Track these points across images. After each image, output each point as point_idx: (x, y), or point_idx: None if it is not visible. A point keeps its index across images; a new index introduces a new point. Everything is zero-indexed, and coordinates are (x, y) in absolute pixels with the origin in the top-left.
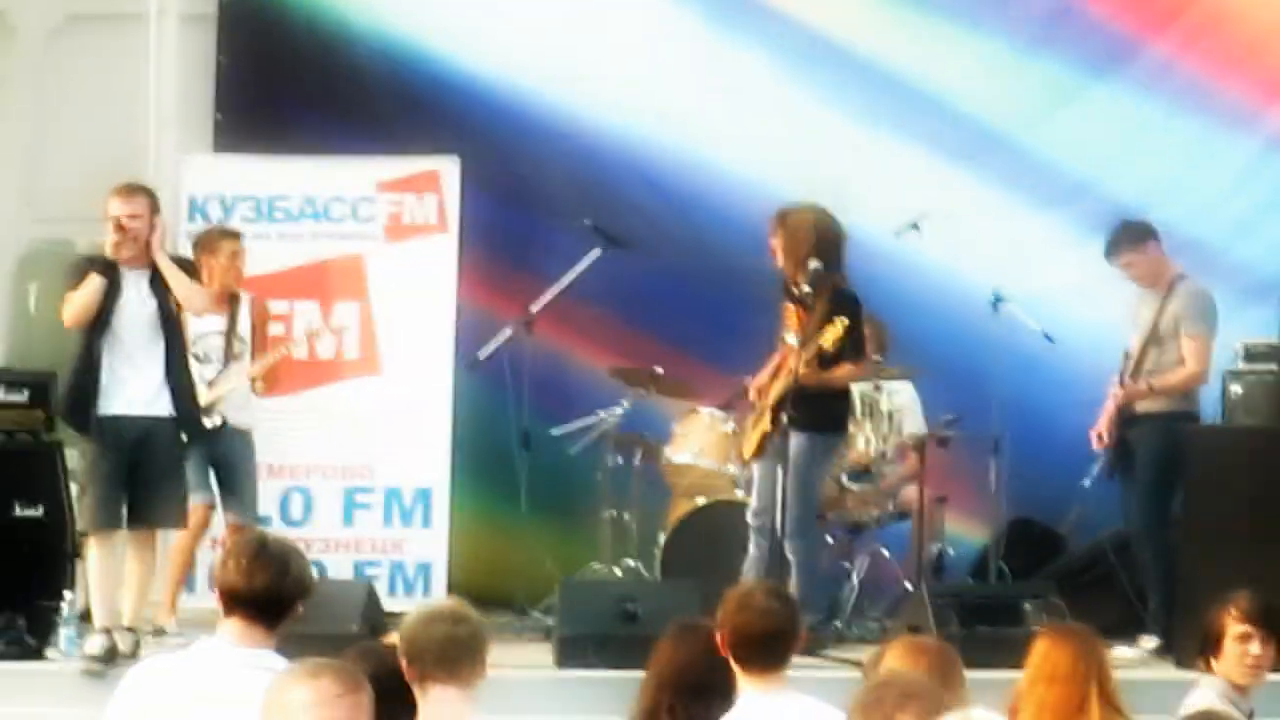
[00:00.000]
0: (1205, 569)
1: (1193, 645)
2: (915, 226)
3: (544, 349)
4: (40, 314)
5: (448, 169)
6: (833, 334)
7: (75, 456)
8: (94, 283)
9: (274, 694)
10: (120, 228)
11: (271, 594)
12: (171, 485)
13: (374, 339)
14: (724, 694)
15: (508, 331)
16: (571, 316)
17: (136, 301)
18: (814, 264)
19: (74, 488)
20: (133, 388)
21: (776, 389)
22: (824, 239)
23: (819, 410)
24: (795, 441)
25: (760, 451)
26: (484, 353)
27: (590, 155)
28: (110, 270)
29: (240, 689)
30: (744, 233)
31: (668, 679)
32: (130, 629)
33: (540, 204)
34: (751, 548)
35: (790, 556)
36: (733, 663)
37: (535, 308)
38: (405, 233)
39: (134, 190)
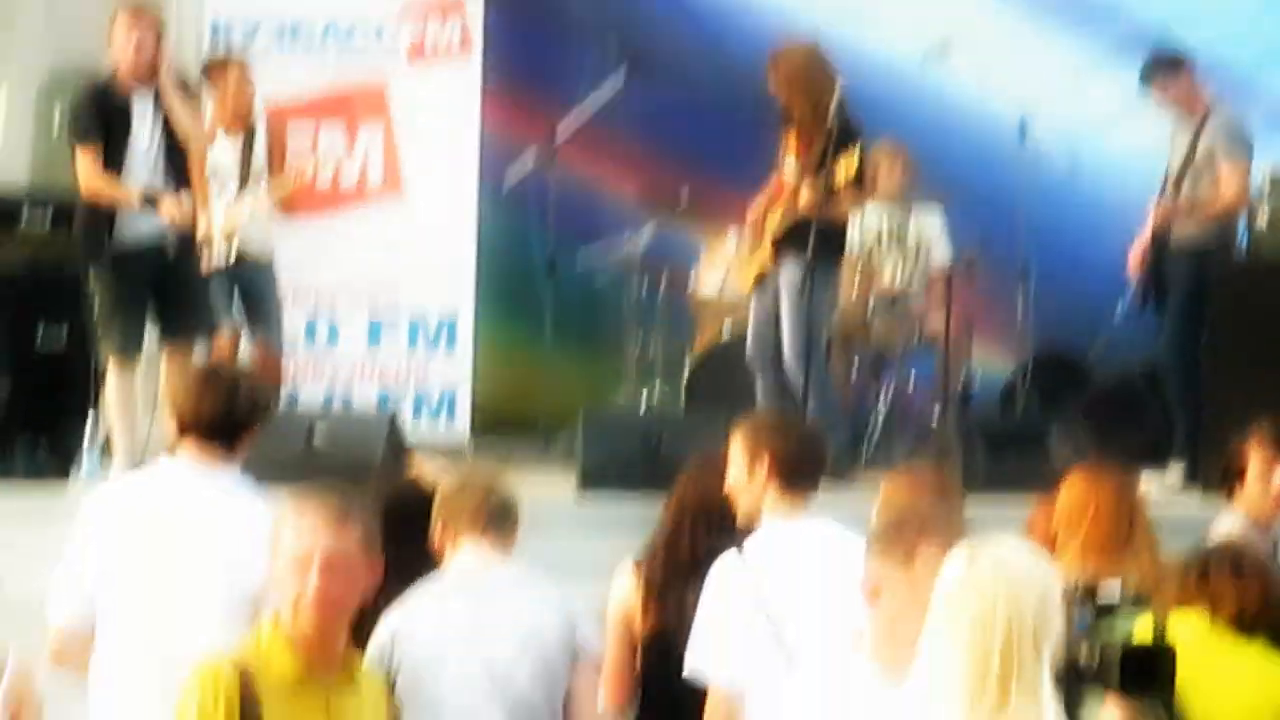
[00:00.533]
0: (1231, 398)
1: (1218, 473)
2: (942, 52)
3: (569, 175)
4: (64, 137)
5: None
6: (847, 167)
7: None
8: (126, 196)
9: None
10: (138, 48)
11: (220, 417)
12: (199, 296)
13: (397, 163)
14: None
15: (530, 162)
16: (597, 142)
17: (142, 127)
18: (816, 96)
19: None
20: (146, 214)
21: (776, 220)
22: (819, 75)
23: (820, 240)
24: (795, 271)
25: (758, 284)
26: (508, 183)
27: None
28: (117, 106)
29: (200, 505)
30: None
31: (689, 508)
32: None
33: (566, 26)
34: (758, 386)
35: (796, 383)
36: (767, 488)
37: (560, 139)
38: (428, 56)
39: (142, 12)
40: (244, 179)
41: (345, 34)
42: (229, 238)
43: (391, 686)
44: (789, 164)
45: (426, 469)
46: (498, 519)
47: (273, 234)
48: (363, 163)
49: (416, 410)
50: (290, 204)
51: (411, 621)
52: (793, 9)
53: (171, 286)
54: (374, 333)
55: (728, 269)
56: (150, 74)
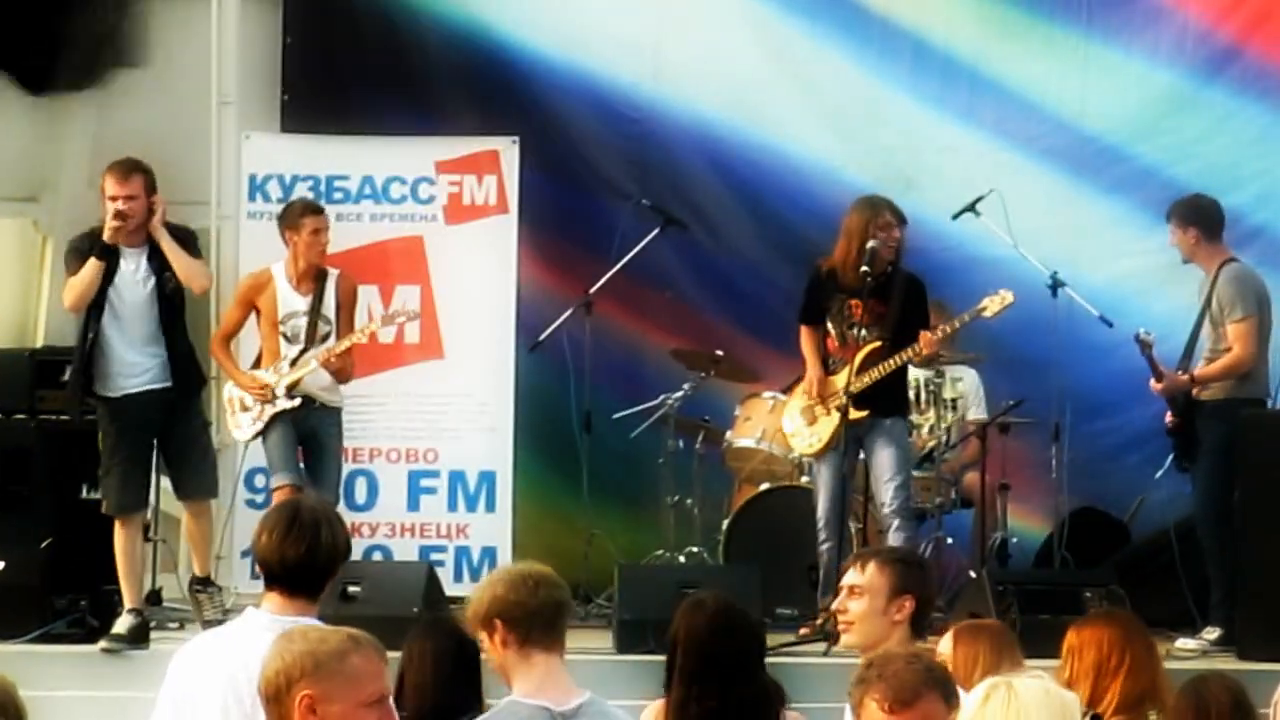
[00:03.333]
0: (1268, 558)
1: (1255, 638)
2: (974, 210)
3: (605, 331)
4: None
5: (507, 149)
6: (999, 303)
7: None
8: (91, 267)
9: (327, 660)
10: (118, 215)
11: (305, 564)
12: (199, 453)
13: (435, 322)
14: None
15: (567, 313)
16: (633, 298)
17: (133, 280)
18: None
19: None
20: (139, 365)
21: (861, 380)
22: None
23: (902, 394)
24: (890, 425)
25: (832, 445)
26: (543, 335)
27: (654, 138)
28: (108, 251)
29: None
30: (808, 215)
31: (685, 668)
32: (202, 585)
33: (601, 185)
34: (824, 548)
35: (896, 540)
36: (900, 626)
37: (594, 289)
38: (465, 214)
39: (129, 170)
40: (311, 334)
41: (382, 190)
42: (291, 391)
43: None
44: (861, 325)
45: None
46: (564, 617)
47: (339, 385)
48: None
49: (458, 569)
50: (345, 367)
51: None
52: (831, 169)
53: (173, 443)
54: (413, 491)
55: (773, 427)
56: (141, 232)
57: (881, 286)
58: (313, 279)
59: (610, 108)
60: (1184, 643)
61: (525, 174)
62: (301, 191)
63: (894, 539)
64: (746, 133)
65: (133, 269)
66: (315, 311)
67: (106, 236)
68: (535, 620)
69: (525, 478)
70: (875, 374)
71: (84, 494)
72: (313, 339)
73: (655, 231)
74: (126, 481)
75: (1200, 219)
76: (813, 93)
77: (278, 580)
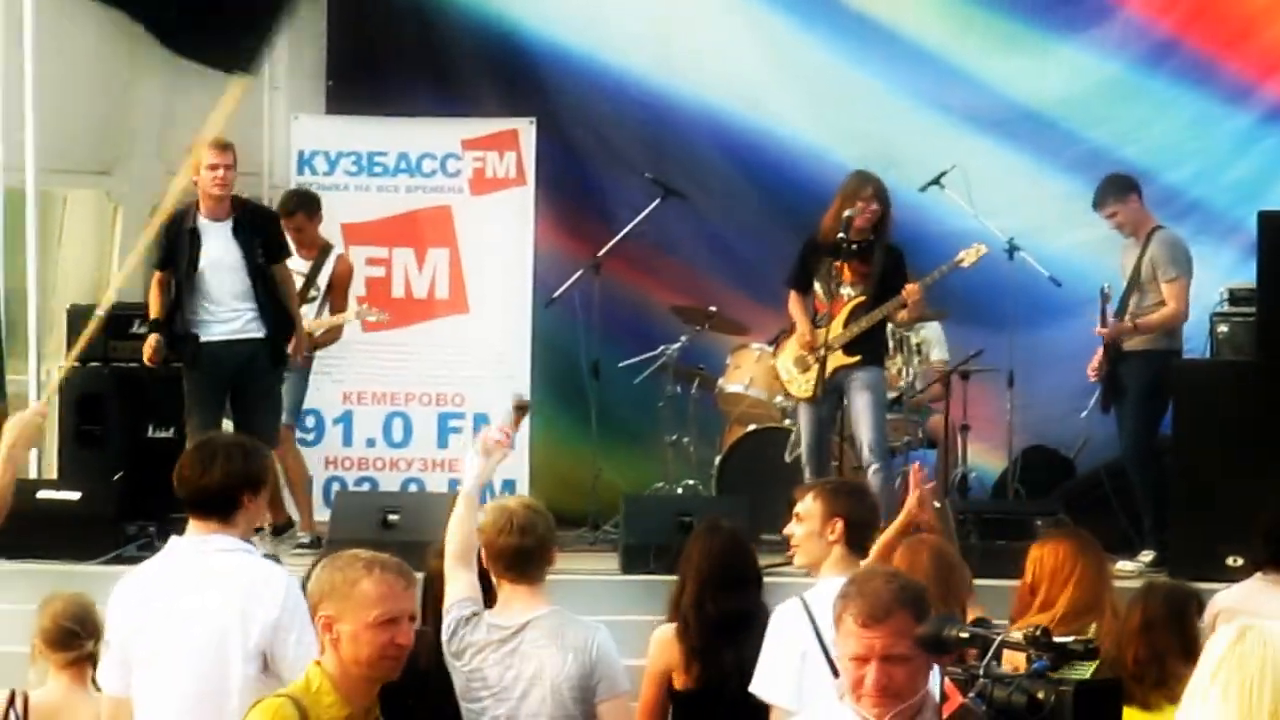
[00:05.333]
0: (1195, 490)
1: (1185, 559)
2: (939, 183)
3: (612, 289)
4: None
5: (526, 129)
6: (974, 253)
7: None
8: (154, 300)
9: (342, 584)
10: (220, 181)
11: (215, 490)
12: (267, 407)
13: (462, 281)
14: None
15: (578, 274)
16: (637, 260)
17: (220, 253)
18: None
19: None
20: (225, 325)
21: (847, 332)
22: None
23: (882, 346)
24: (869, 375)
25: (817, 392)
26: (557, 293)
27: (663, 122)
28: (191, 231)
29: (206, 570)
30: (798, 189)
31: (705, 576)
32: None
33: (611, 161)
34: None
35: (874, 479)
36: (834, 547)
37: (602, 252)
38: (488, 186)
39: (226, 145)
40: (303, 296)
41: (415, 165)
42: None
43: None
44: (846, 284)
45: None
46: (532, 560)
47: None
48: (431, 281)
49: (482, 499)
50: (325, 341)
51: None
52: (822, 148)
53: (245, 394)
54: (443, 431)
55: (760, 375)
56: (228, 203)
57: (863, 250)
58: (316, 250)
59: (624, 93)
60: (1123, 564)
61: (542, 151)
62: (345, 166)
63: (873, 479)
64: (745, 117)
65: (217, 242)
66: (310, 278)
67: (206, 202)
68: (500, 560)
69: (541, 419)
70: (863, 324)
71: (151, 432)
72: (301, 299)
73: (657, 201)
74: (203, 425)
75: (1132, 185)
76: (803, 82)
77: (191, 505)
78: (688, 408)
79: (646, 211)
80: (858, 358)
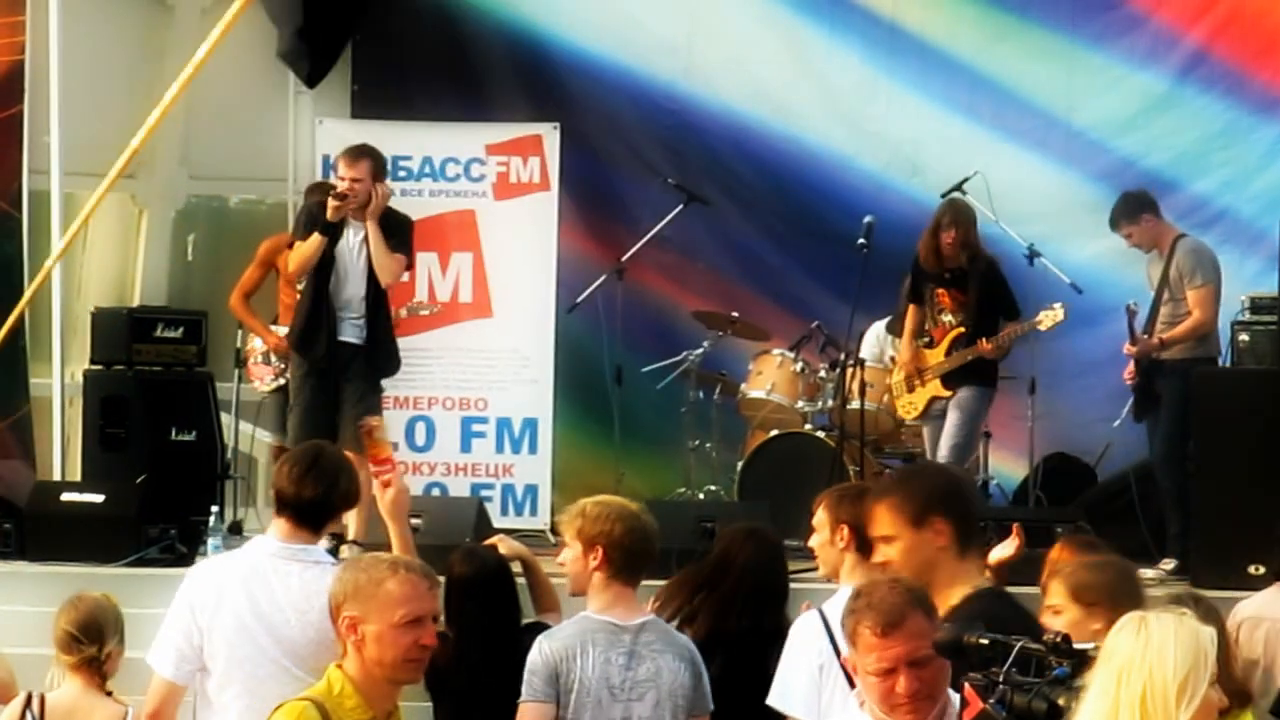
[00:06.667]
0: (1217, 499)
1: (1206, 567)
2: (961, 190)
3: (635, 294)
4: (196, 261)
5: (549, 134)
6: (1051, 318)
7: (227, 389)
8: (314, 240)
9: (367, 585)
10: (339, 195)
11: (318, 502)
12: (358, 411)
13: (486, 286)
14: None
15: (602, 279)
16: (660, 265)
17: (350, 252)
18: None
19: (224, 416)
20: (344, 324)
21: (945, 363)
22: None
23: (978, 369)
24: (964, 393)
25: (925, 413)
26: (580, 298)
27: (688, 128)
28: (332, 225)
29: (283, 574)
30: (823, 197)
31: (743, 583)
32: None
33: (635, 167)
34: None
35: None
36: (845, 555)
37: (625, 257)
38: (511, 191)
39: (359, 154)
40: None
41: (439, 170)
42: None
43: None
44: (947, 311)
45: (509, 543)
46: (645, 565)
47: None
48: (454, 285)
49: (504, 505)
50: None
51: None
52: (847, 156)
53: (345, 395)
54: (465, 435)
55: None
56: (364, 210)
57: (958, 278)
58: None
59: (648, 99)
60: (1143, 572)
61: (566, 156)
62: None
63: None
64: (770, 123)
65: (352, 241)
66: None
67: (329, 215)
68: (629, 559)
69: (564, 424)
70: (956, 359)
71: (174, 435)
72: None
73: (680, 207)
74: (304, 421)
75: (1144, 205)
76: (829, 89)
77: (289, 510)
78: (710, 413)
79: (670, 217)
80: (951, 393)
